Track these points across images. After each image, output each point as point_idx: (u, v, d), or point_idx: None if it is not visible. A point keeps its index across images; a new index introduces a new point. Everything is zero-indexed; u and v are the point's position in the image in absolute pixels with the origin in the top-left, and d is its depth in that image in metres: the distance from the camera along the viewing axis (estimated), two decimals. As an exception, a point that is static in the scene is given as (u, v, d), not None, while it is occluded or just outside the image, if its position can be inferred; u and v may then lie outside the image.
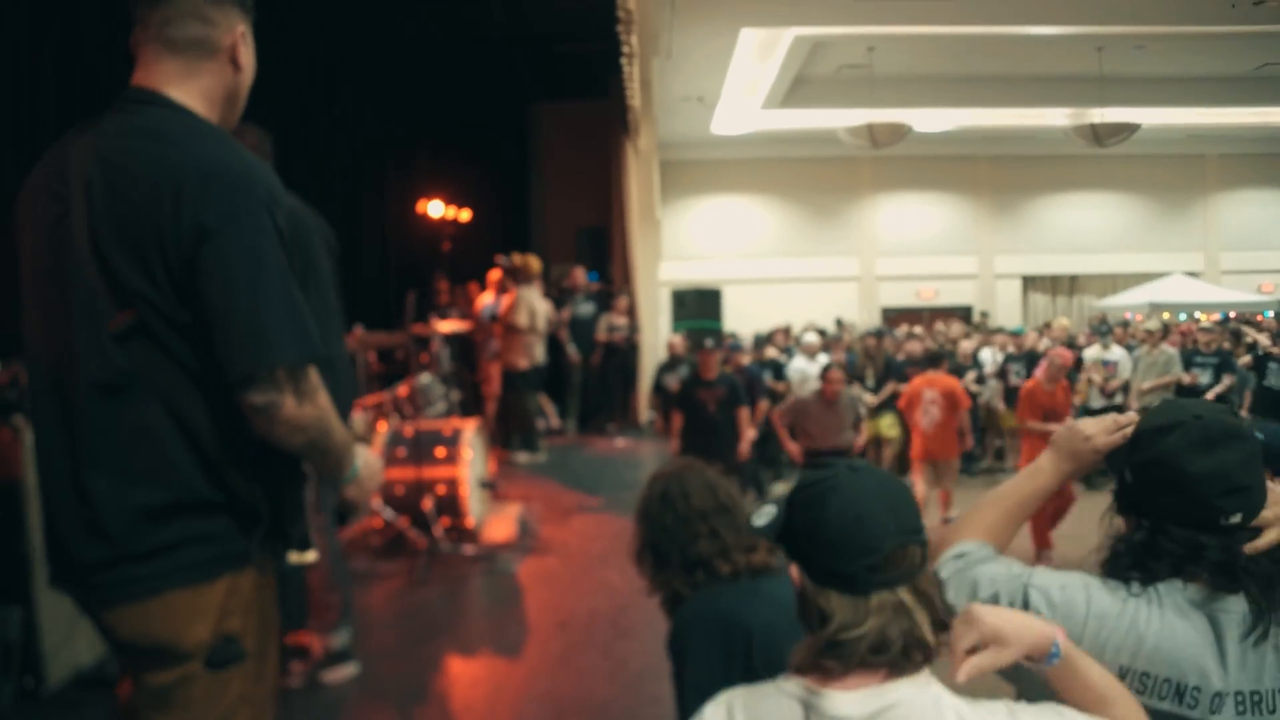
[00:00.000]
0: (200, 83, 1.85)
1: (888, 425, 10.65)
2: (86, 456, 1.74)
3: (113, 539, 1.71)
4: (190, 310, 1.71)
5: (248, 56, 1.93)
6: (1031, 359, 10.99)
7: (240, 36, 1.90)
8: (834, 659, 1.35)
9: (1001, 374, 11.28)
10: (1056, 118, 16.49)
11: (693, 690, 2.06)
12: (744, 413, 7.93)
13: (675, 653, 2.19)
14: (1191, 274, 19.42)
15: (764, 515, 1.48)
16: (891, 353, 11.79)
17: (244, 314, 1.68)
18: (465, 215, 12.67)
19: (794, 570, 1.43)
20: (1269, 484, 1.61)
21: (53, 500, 1.81)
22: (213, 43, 1.85)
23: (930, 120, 16.57)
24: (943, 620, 1.37)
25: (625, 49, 9.07)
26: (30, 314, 1.86)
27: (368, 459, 2.00)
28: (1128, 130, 14.76)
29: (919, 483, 8.44)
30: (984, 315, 19.74)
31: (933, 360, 9.20)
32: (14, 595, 3.67)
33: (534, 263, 9.43)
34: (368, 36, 10.29)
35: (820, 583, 1.39)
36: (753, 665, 1.99)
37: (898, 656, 1.33)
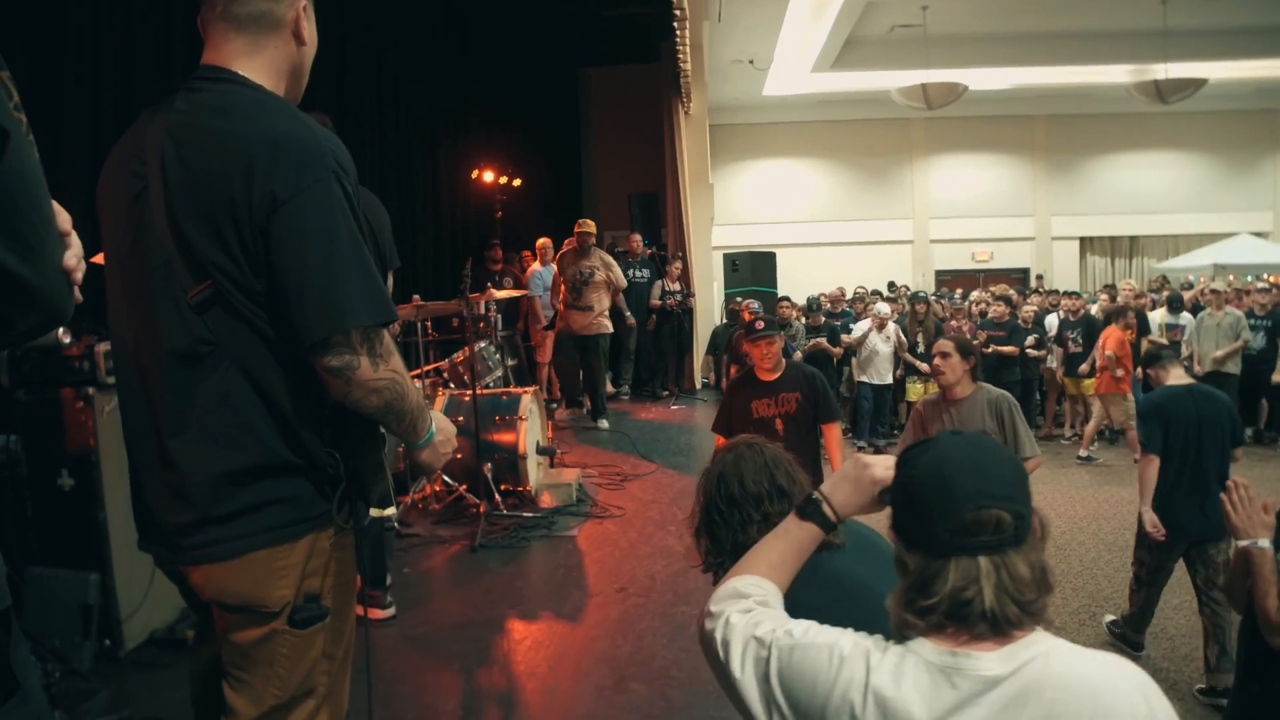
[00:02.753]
0: (265, 58, 1.88)
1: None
2: (170, 424, 1.79)
3: (197, 502, 1.77)
4: (264, 279, 1.75)
5: (310, 30, 1.96)
6: (1089, 325, 10.79)
7: (302, 10, 1.93)
8: (920, 619, 1.34)
9: (1059, 340, 11.08)
10: (1117, 74, 16.06)
11: None
12: (833, 432, 5.07)
13: None
14: (1259, 234, 18.91)
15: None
16: (940, 316, 11.63)
17: (318, 279, 1.72)
18: (517, 182, 12.68)
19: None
20: None
21: (139, 467, 1.88)
22: (276, 17, 1.88)
23: (985, 79, 16.24)
24: (1038, 590, 1.32)
25: (676, 12, 9.01)
26: (112, 289, 1.92)
27: (442, 424, 2.04)
28: (1193, 86, 14.34)
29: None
30: (1039, 278, 19.45)
31: (1110, 316, 10.44)
32: (92, 561, 3.81)
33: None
34: (417, 4, 10.28)
35: (905, 543, 1.39)
36: None
37: (980, 623, 1.30)
